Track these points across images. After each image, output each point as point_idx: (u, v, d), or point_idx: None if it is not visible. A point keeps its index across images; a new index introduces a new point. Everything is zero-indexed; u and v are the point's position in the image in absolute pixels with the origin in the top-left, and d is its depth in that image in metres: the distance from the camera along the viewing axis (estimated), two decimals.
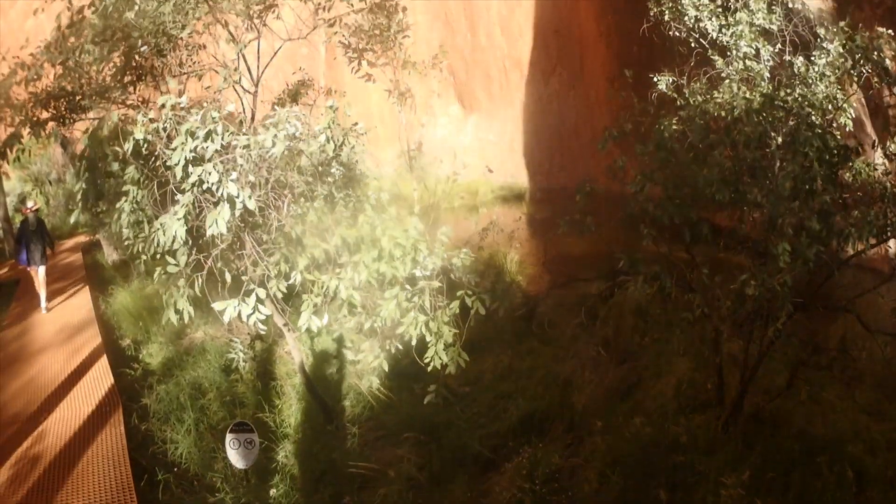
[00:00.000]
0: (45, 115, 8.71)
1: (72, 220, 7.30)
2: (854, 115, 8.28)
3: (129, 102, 7.04)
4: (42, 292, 13.50)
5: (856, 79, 7.91)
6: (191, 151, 5.17)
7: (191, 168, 5.16)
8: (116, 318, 12.58)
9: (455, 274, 5.58)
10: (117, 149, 5.96)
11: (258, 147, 5.25)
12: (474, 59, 25.68)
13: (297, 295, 6.31)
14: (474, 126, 26.18)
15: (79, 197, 6.83)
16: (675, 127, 7.23)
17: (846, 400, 7.68)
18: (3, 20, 25.59)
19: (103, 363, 10.27)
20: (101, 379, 9.72)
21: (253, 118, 6.51)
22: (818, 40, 8.99)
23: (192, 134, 5.14)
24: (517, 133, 25.23)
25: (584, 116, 23.26)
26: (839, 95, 7.79)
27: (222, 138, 5.16)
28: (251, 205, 5.17)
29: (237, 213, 5.27)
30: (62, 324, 12.57)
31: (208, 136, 5.14)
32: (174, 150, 5.27)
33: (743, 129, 6.70)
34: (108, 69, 8.24)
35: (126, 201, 6.11)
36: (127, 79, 7.34)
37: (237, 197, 5.15)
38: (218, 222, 5.06)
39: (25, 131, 8.27)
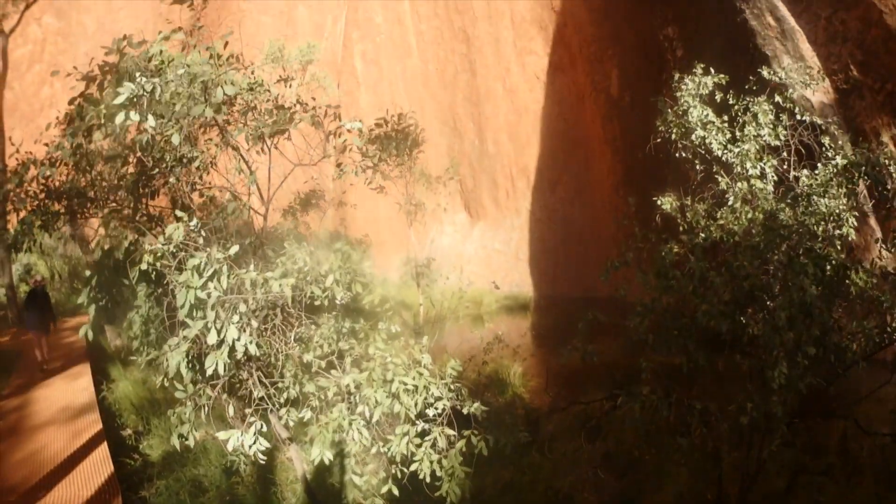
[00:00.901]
0: (56, 206, 8.91)
1: (78, 300, 7.44)
2: (856, 215, 8.43)
3: (140, 217, 7.25)
4: (43, 353, 14.54)
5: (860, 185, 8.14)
6: (197, 289, 5.31)
7: (195, 312, 5.31)
8: (118, 406, 12.59)
9: (465, 409, 5.66)
10: (129, 270, 6.11)
11: (265, 288, 5.42)
12: (482, 167, 26.34)
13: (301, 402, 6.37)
14: (480, 234, 26.63)
15: (87, 299, 6.97)
16: (675, 251, 7.42)
17: (846, 499, 7.66)
18: (18, 83, 26.24)
19: (103, 450, 10.26)
20: (101, 465, 9.71)
21: (262, 246, 6.71)
22: (822, 149, 9.26)
23: (199, 270, 5.30)
24: (523, 241, 25.61)
25: (590, 223, 23.68)
26: (842, 206, 7.99)
27: (228, 278, 5.32)
28: (253, 349, 5.30)
29: (239, 355, 5.39)
30: (64, 404, 12.59)
31: (214, 275, 5.31)
32: (181, 285, 5.42)
33: (742, 261, 6.87)
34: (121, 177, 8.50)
35: (137, 313, 6.26)
36: (140, 191, 7.59)
37: (238, 340, 5.28)
38: (218, 364, 5.18)
39: (37, 224, 8.42)
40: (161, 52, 6.41)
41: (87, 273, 7.42)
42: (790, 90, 9.73)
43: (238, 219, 6.87)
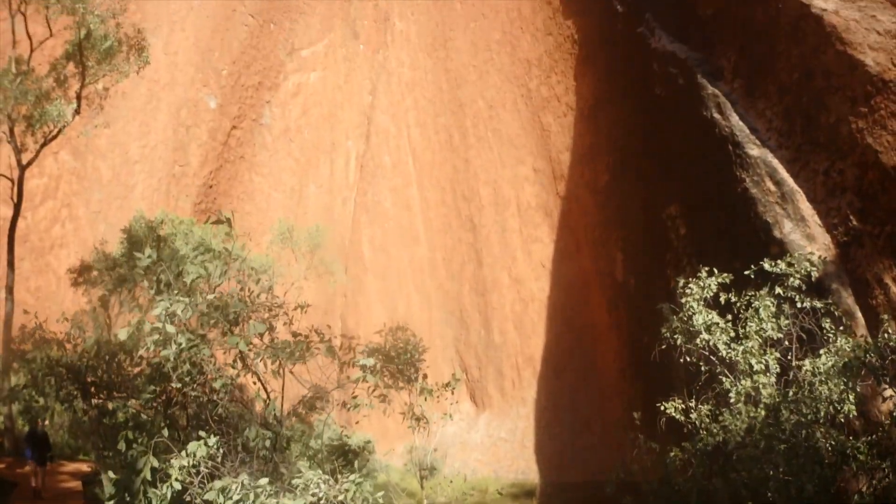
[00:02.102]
0: (72, 388, 9.21)
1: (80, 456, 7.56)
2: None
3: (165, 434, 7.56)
4: (38, 482, 15.58)
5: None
6: None
7: None
8: None
9: None
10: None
11: None
12: (487, 357, 26.61)
13: None
14: (486, 424, 26.34)
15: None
16: (679, 457, 7.65)
17: None
18: (31, 215, 26.40)
19: None
20: None
21: (277, 467, 7.02)
22: (822, 332, 9.63)
23: (225, 492, 5.56)
24: (529, 429, 25.21)
25: (597, 408, 23.43)
26: (842, 387, 8.21)
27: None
28: None
29: None
30: None
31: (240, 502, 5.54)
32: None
33: (741, 472, 7.08)
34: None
35: None
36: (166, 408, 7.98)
37: None
38: None
39: (57, 406, 8.65)
40: (172, 221, 7.11)
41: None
42: (791, 279, 10.03)
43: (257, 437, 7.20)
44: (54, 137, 20.15)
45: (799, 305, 9.92)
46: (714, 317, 9.83)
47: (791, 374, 9.38)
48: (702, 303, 10.00)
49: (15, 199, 20.28)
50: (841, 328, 9.90)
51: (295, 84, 31.22)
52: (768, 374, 9.19)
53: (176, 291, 7.08)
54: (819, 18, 14.19)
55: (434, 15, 30.54)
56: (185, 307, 6.71)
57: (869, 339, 9.12)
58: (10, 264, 20.42)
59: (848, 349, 8.66)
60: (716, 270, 10.42)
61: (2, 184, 21.88)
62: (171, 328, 6.71)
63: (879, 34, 13.59)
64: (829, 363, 8.68)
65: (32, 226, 27.30)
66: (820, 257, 11.34)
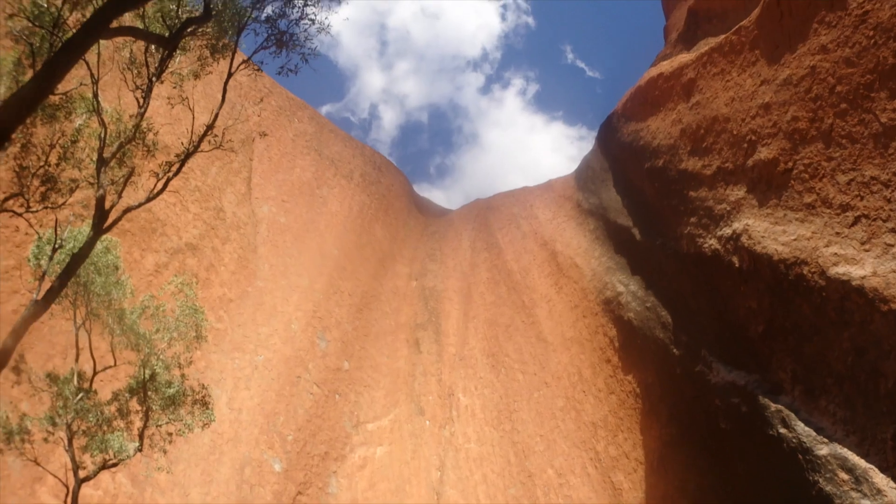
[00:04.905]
0: None
1: None
2: None
3: None
4: None
5: None
6: None
7: None
8: None
9: None
10: None
11: None
12: None
13: None
14: None
15: None
16: None
17: None
18: None
19: None
20: None
21: None
22: None
23: None
24: None
25: None
26: None
27: None
28: None
29: None
30: None
31: None
32: None
33: None
34: None
35: None
36: None
37: None
38: None
39: None
40: None
41: None
42: None
43: None
44: (114, 465, 20.56)
45: None
46: None
47: None
48: None
49: None
50: None
51: (361, 457, 31.39)
52: None
53: None
54: (860, 288, 14.42)
55: (497, 388, 31.87)
56: None
57: None
58: None
59: None
60: None
61: (57, 485, 21.84)
62: None
63: None
64: None
65: None
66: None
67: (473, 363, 36.50)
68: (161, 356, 19.16)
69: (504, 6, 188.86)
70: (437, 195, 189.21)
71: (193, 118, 18.60)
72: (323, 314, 38.85)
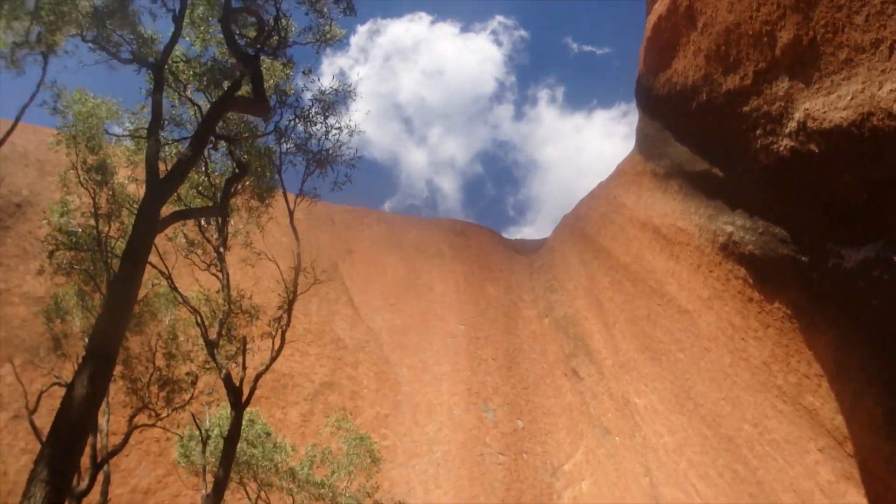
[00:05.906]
0: None
1: None
2: None
3: None
4: None
5: None
6: None
7: None
8: None
9: None
10: None
11: None
12: None
13: None
14: None
15: None
16: None
17: None
18: None
19: None
20: None
21: None
22: None
23: None
24: None
25: None
26: None
27: None
28: None
29: None
30: None
31: None
32: None
33: None
34: None
35: None
36: None
37: None
38: None
39: None
40: None
41: None
42: None
43: None
44: None
45: None
46: None
47: None
48: None
49: None
50: None
51: (571, 498, 30.77)
52: None
53: None
54: None
55: (665, 376, 30.90)
56: None
57: None
58: None
59: None
60: None
61: None
62: None
63: None
64: None
65: None
66: None
67: (634, 365, 35.70)
68: (346, 493, 19.94)
69: (493, 32, 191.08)
70: (528, 231, 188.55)
71: (279, 267, 20.13)
72: (478, 388, 39.48)
